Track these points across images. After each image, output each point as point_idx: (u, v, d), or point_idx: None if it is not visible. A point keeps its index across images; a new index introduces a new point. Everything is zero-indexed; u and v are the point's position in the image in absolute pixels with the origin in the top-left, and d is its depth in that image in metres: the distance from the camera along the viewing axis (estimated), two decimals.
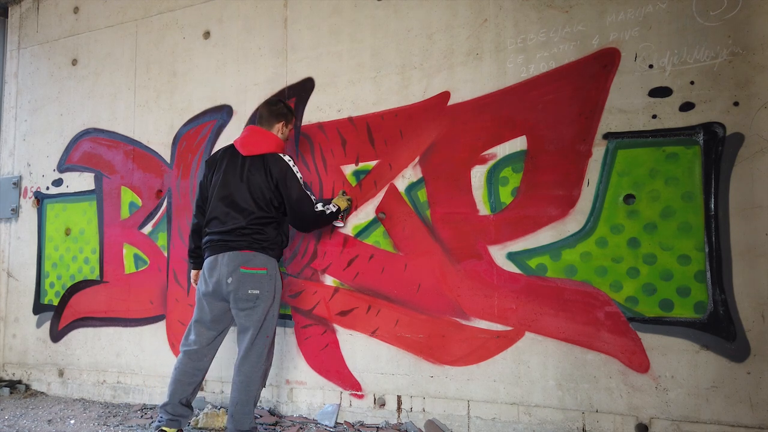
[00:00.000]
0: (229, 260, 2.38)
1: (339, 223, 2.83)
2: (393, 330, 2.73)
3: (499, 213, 2.56)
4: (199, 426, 2.79)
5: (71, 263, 3.67)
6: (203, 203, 2.59)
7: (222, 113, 3.25)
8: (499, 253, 2.54)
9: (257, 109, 2.66)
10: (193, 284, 2.71)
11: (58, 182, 3.78)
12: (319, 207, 2.55)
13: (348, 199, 2.79)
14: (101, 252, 3.56)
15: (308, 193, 2.52)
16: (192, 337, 2.48)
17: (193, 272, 2.72)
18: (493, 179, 2.58)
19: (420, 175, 2.73)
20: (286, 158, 2.49)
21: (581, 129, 2.42)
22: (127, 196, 3.51)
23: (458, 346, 2.59)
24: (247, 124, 3.08)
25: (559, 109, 2.47)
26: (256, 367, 2.39)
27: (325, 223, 2.65)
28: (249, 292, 2.36)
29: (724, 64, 2.22)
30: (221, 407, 2.99)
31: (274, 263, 2.47)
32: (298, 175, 2.49)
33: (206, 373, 2.54)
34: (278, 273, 2.50)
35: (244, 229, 2.40)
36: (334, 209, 2.64)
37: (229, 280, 2.37)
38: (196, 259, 2.66)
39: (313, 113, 3.00)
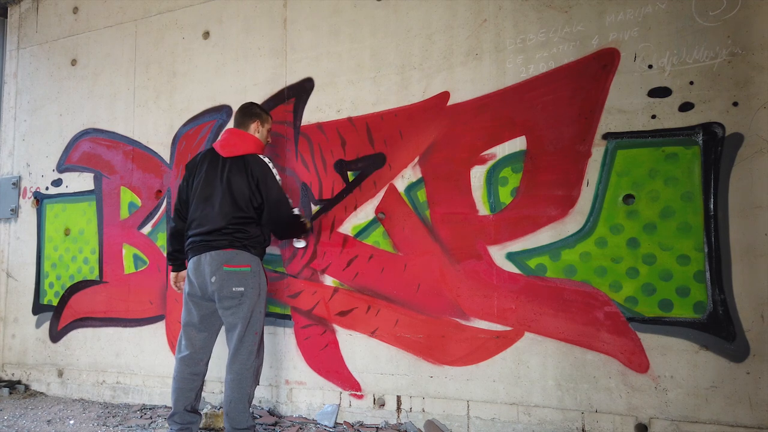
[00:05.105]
0: (212, 260, 2.39)
1: (299, 243, 2.92)
2: (392, 330, 2.73)
3: (498, 213, 2.56)
4: (199, 426, 2.79)
5: (71, 263, 3.66)
6: (181, 207, 2.61)
7: (221, 113, 3.25)
8: (498, 254, 2.54)
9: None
10: (172, 286, 2.74)
11: (57, 182, 3.78)
12: (296, 211, 2.58)
13: (309, 222, 2.83)
14: (101, 252, 3.55)
15: (286, 196, 2.55)
16: (183, 342, 2.50)
17: (172, 274, 2.74)
18: (492, 179, 2.58)
19: (419, 175, 2.73)
20: (266, 159, 2.52)
21: (581, 129, 2.42)
22: (127, 196, 3.51)
23: (458, 346, 2.59)
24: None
25: (558, 109, 2.47)
26: (246, 364, 2.40)
27: (297, 230, 2.66)
28: (233, 289, 2.37)
29: (724, 65, 2.22)
30: (221, 407, 2.99)
31: (258, 261, 2.48)
32: (278, 177, 2.52)
33: (204, 376, 2.54)
34: (262, 270, 2.51)
35: (225, 229, 2.41)
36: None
37: (213, 279, 2.38)
38: (175, 262, 2.68)
39: (313, 113, 3.00)
